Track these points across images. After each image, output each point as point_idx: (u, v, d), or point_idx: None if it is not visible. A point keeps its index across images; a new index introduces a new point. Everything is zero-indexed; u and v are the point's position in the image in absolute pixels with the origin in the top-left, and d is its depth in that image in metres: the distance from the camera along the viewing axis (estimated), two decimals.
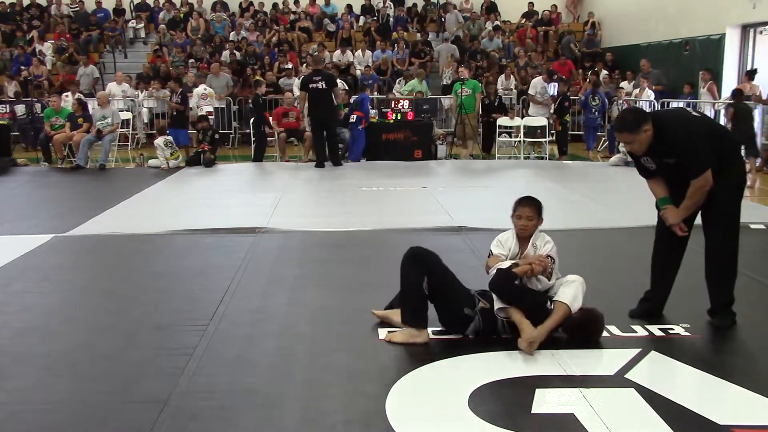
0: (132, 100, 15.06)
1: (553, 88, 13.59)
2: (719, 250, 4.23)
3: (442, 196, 8.88)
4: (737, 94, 11.41)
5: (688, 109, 4.99)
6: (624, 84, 15.37)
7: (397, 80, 16.64)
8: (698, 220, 4.32)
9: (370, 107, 12.89)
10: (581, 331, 4.00)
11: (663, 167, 4.23)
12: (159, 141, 11.79)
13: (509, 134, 13.63)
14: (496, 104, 13.36)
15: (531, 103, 13.73)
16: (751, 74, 12.80)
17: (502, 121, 13.19)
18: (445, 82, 16.48)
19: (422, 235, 6.75)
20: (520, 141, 13.23)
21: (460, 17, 19.66)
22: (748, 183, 11.32)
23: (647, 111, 4.33)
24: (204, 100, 14.20)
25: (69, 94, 13.97)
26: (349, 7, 20.21)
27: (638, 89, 14.32)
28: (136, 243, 6.63)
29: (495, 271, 4.07)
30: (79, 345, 4.08)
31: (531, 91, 13.64)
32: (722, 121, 13.22)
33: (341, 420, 3.15)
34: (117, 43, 19.27)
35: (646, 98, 13.91)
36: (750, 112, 11.46)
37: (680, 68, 15.13)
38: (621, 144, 12.11)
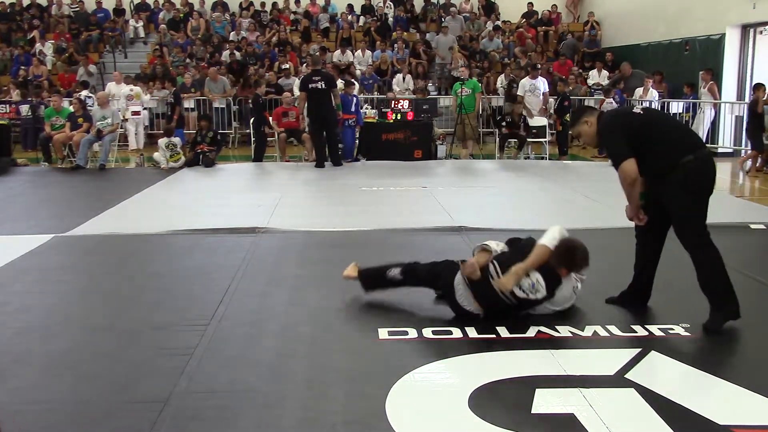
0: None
1: (543, 84, 13.38)
2: (692, 258, 4.20)
3: (442, 196, 8.87)
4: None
5: (636, 108, 5.04)
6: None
7: (394, 79, 16.61)
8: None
9: (368, 107, 12.83)
10: (567, 255, 4.26)
11: None
12: (162, 141, 11.82)
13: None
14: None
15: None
16: None
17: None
18: (455, 74, 16.38)
19: (422, 235, 6.75)
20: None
21: (464, 23, 19.62)
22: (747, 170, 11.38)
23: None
24: (130, 101, 13.91)
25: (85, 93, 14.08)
26: (350, 7, 20.21)
27: (642, 89, 14.32)
28: (136, 243, 6.63)
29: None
30: (79, 345, 4.08)
31: (519, 92, 13.46)
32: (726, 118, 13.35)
33: (341, 420, 3.15)
34: (117, 43, 19.27)
35: (650, 98, 13.95)
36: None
37: (680, 68, 15.12)
38: None
